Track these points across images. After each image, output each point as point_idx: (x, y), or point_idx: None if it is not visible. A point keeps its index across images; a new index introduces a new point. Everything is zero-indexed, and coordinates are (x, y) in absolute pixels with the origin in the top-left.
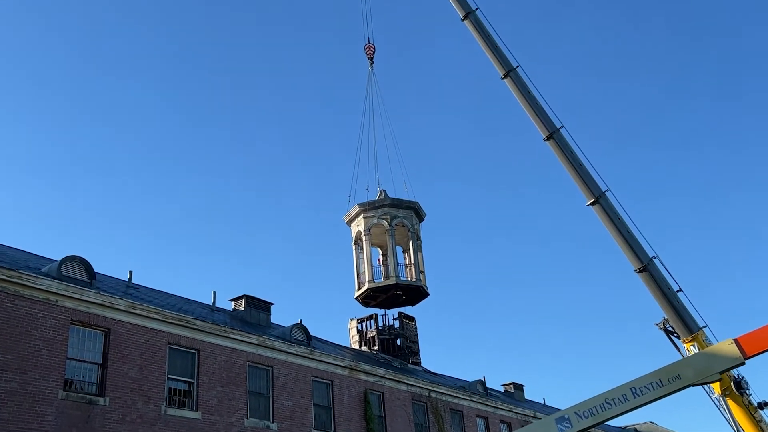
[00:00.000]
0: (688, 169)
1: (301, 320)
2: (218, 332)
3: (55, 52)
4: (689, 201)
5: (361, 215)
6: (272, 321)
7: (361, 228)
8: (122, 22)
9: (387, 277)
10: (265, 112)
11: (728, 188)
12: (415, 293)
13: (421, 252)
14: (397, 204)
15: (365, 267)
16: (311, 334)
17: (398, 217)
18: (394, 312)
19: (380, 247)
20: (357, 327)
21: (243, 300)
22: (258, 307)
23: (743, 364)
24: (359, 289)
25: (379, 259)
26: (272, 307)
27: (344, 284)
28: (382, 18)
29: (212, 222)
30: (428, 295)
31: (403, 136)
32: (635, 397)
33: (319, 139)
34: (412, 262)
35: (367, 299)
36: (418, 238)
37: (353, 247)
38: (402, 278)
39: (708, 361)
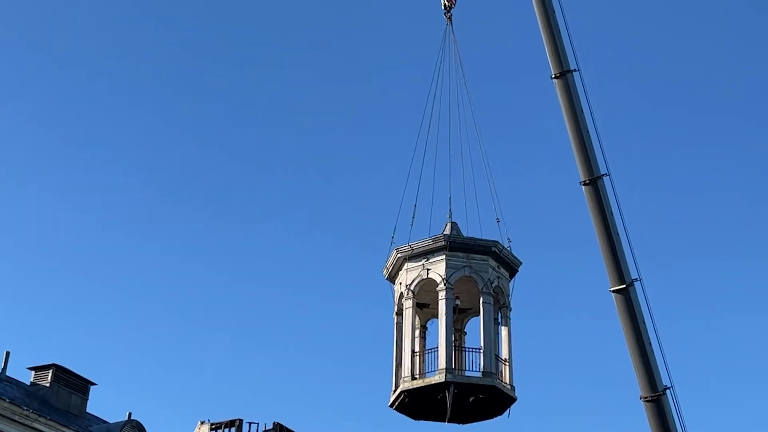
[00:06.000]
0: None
1: (130, 414)
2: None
3: None
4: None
5: (443, 254)
6: (89, 410)
7: (440, 275)
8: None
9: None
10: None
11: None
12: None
13: (509, 327)
14: (504, 257)
15: (439, 344)
16: None
17: (500, 277)
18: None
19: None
20: None
21: (50, 372)
22: (71, 385)
23: None
24: (414, 378)
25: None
26: (92, 388)
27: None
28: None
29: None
30: (515, 399)
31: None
32: None
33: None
34: (506, 356)
35: (415, 400)
36: (504, 305)
37: (408, 303)
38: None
39: None
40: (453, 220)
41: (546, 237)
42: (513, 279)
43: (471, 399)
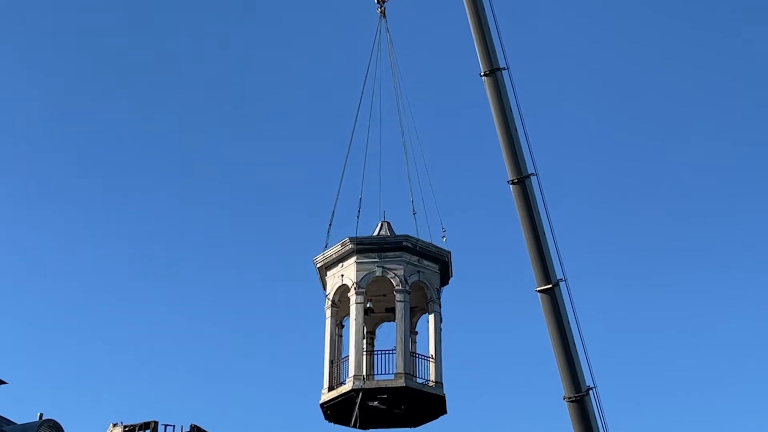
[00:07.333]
0: None
1: (41, 415)
2: None
3: None
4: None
5: (353, 257)
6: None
7: (351, 279)
8: None
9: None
10: None
11: None
12: (427, 407)
13: (440, 335)
14: (422, 250)
15: (351, 350)
16: None
17: (421, 272)
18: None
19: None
20: None
21: None
22: None
23: None
24: (331, 388)
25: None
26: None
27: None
28: None
29: None
30: (446, 412)
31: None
32: None
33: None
34: (432, 353)
35: (340, 410)
36: (432, 299)
37: (328, 312)
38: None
39: None
40: (386, 220)
41: (480, 235)
42: (449, 269)
43: (401, 402)
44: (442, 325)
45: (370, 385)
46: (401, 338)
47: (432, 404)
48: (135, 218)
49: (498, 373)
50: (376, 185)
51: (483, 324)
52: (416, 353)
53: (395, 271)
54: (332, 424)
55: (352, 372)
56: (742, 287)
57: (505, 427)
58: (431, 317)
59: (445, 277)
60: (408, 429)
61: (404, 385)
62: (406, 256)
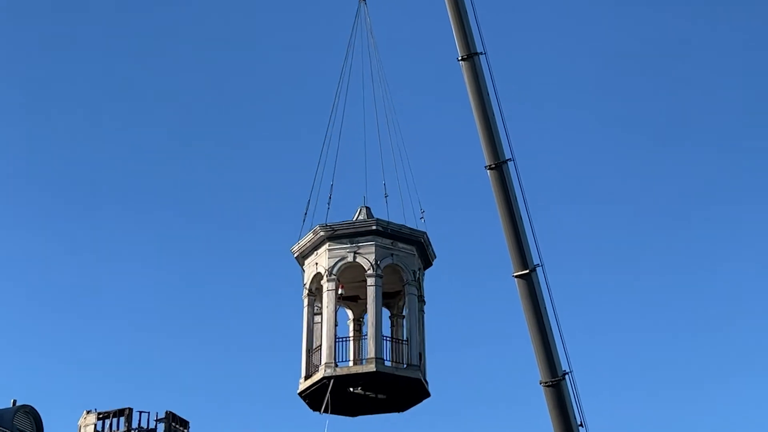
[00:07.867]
0: None
1: (15, 401)
2: None
3: None
4: None
5: (325, 245)
6: None
7: (323, 266)
8: None
9: (356, 359)
10: None
11: None
12: (407, 391)
13: (423, 321)
14: (394, 232)
15: (323, 338)
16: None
17: (395, 255)
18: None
19: (352, 306)
20: (95, 426)
21: None
22: None
23: None
24: (308, 377)
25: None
26: None
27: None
28: None
29: None
30: (428, 395)
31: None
32: None
33: None
34: (408, 336)
35: (317, 396)
36: (421, 296)
37: (305, 301)
38: (387, 362)
39: None
40: (366, 205)
41: (461, 220)
42: (428, 251)
43: (380, 388)
44: (425, 307)
45: (341, 372)
46: (372, 323)
47: (412, 388)
48: (112, 211)
49: (484, 359)
50: (360, 172)
51: (470, 308)
52: (401, 338)
53: (366, 256)
54: (322, 414)
55: (324, 359)
56: (734, 282)
57: (492, 410)
58: (406, 300)
59: (426, 259)
60: (396, 414)
61: (374, 369)
62: (379, 240)
